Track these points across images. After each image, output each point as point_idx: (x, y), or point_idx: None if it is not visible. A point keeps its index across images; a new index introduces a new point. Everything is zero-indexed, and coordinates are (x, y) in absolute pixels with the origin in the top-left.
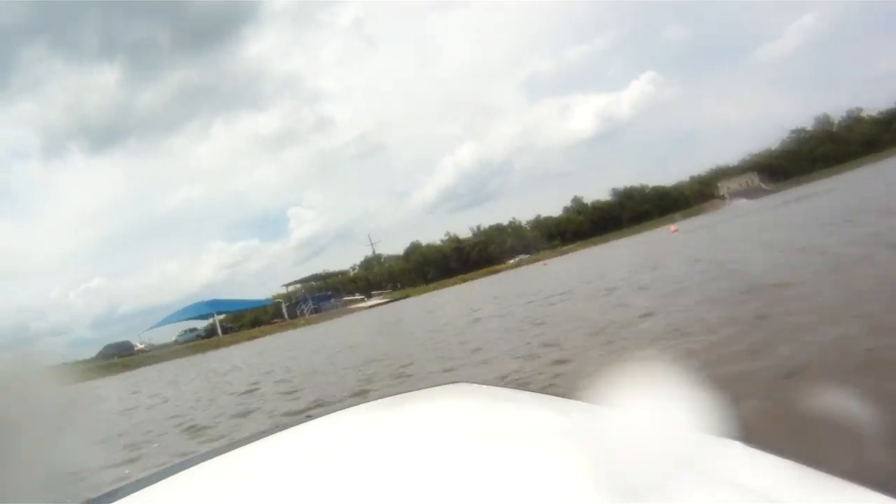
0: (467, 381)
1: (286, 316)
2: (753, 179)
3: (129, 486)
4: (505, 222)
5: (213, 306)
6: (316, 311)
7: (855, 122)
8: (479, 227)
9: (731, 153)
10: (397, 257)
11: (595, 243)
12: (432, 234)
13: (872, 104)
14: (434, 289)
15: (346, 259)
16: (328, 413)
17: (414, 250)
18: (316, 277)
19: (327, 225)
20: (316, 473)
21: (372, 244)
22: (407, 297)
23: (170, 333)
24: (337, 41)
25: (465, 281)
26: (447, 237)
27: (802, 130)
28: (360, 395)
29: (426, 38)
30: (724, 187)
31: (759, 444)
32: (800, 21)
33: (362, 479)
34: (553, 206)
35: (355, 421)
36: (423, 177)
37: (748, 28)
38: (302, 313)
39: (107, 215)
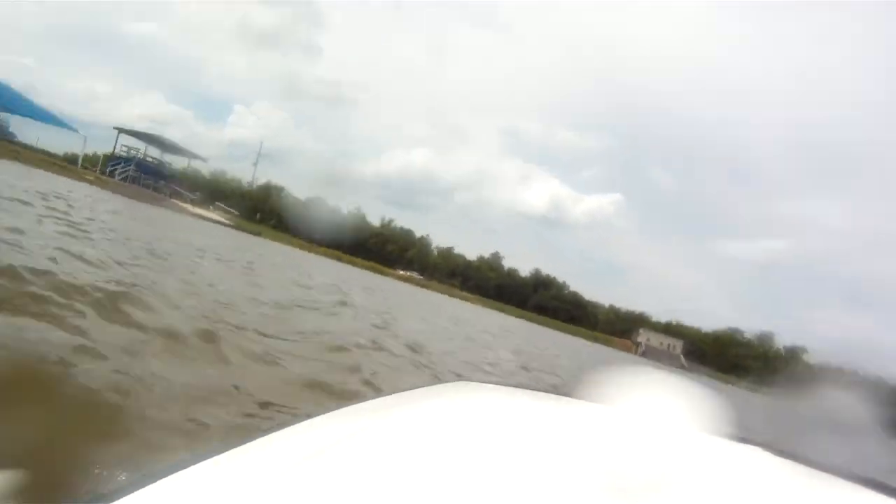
0: (467, 380)
1: (100, 170)
2: (676, 347)
3: (129, 486)
4: (418, 234)
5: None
6: (134, 180)
7: (792, 358)
8: (390, 221)
9: (656, 308)
10: (297, 200)
11: (493, 307)
12: (345, 206)
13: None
14: (297, 246)
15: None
16: (327, 412)
17: (316, 203)
18: (160, 142)
19: (261, 139)
20: (316, 473)
21: (259, 155)
22: (258, 234)
23: None
24: None
25: (340, 259)
26: (355, 210)
27: (738, 331)
28: None
29: (444, 37)
30: (643, 336)
31: (758, 444)
32: (772, 242)
33: (362, 478)
34: (468, 250)
35: (355, 419)
36: (370, 154)
37: (725, 216)
38: (112, 174)
39: (64, 8)
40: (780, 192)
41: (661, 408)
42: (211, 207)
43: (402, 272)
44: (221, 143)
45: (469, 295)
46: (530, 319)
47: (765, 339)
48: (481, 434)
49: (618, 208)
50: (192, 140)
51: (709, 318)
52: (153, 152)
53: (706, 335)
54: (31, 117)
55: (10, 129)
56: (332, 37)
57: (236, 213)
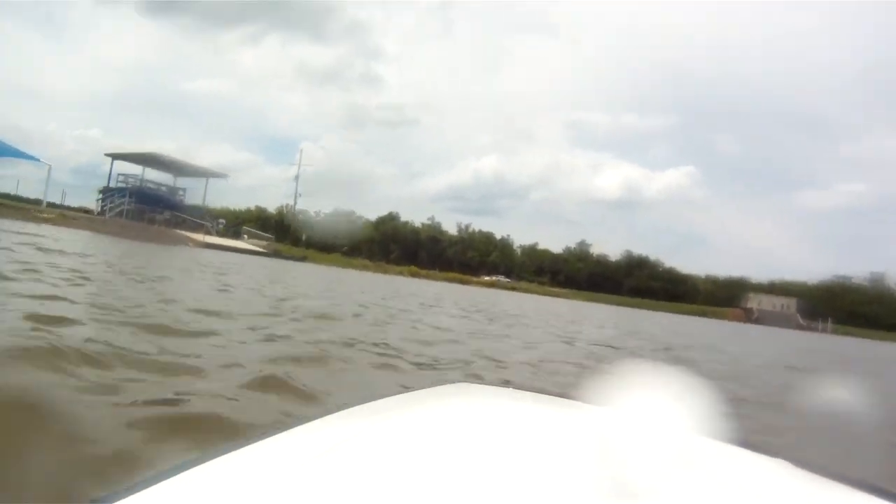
0: (468, 382)
1: (98, 209)
2: (790, 307)
3: (129, 486)
4: (498, 236)
5: None
6: (132, 214)
7: None
8: (466, 227)
9: (752, 271)
10: (367, 222)
11: (589, 299)
12: (419, 220)
13: None
14: (359, 267)
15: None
16: (327, 414)
17: (387, 221)
18: (160, 163)
19: (332, 173)
20: (316, 475)
21: (297, 178)
22: (303, 259)
23: None
24: (417, 12)
25: (416, 276)
26: (429, 222)
27: (847, 278)
28: None
29: (499, 48)
30: (754, 301)
31: (757, 445)
32: (850, 186)
33: (363, 480)
34: (552, 244)
35: (355, 422)
36: (441, 168)
37: (797, 169)
38: (103, 211)
39: (131, 75)
40: (849, 136)
41: (660, 409)
42: (246, 236)
43: (486, 278)
44: (290, 181)
45: (560, 290)
46: (629, 305)
47: (877, 282)
48: (481, 436)
49: (691, 180)
50: (265, 182)
51: (808, 271)
52: (165, 178)
53: (815, 288)
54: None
55: None
56: (390, 63)
57: (270, 236)
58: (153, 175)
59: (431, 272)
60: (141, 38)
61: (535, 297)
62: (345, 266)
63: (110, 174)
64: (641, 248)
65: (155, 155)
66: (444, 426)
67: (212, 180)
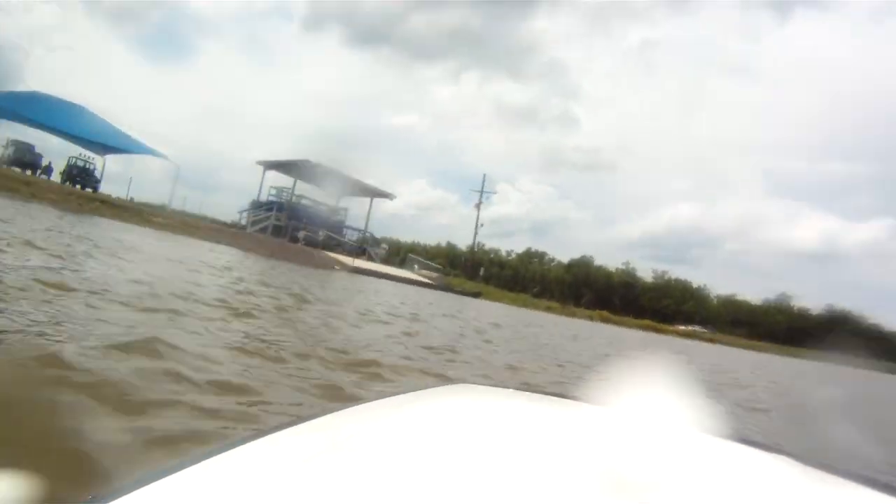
0: (467, 382)
1: (242, 220)
2: None
3: (129, 486)
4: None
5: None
6: (281, 230)
7: None
8: (662, 274)
9: None
10: (559, 264)
11: (791, 353)
12: (614, 264)
13: None
14: (543, 308)
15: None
16: (327, 413)
17: (580, 263)
18: (312, 172)
19: (527, 214)
20: (315, 474)
21: (482, 190)
22: (477, 295)
23: None
24: (617, 54)
25: (607, 321)
26: (624, 266)
27: None
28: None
29: (698, 91)
30: None
31: (757, 443)
32: None
33: (362, 480)
34: (748, 296)
35: (355, 421)
36: (636, 214)
37: None
38: (245, 226)
39: (331, 106)
40: None
41: (659, 408)
42: (416, 266)
43: (682, 327)
44: (487, 221)
45: (759, 343)
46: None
47: None
48: (480, 435)
49: (893, 231)
50: (464, 221)
51: None
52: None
53: None
54: (118, 149)
55: (95, 172)
56: (588, 104)
57: (439, 267)
58: (314, 192)
59: (624, 318)
60: (342, 70)
61: (736, 349)
62: (525, 305)
63: (261, 186)
64: (845, 302)
65: (308, 163)
66: (444, 426)
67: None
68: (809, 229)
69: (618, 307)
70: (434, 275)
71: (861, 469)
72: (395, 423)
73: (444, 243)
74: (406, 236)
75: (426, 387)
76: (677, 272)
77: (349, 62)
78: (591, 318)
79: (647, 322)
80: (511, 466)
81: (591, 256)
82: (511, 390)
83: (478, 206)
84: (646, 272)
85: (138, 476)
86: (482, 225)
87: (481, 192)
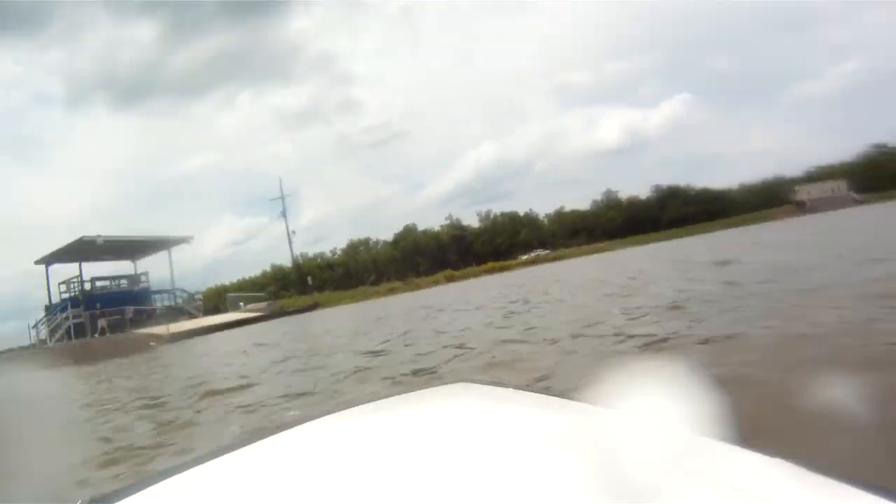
0: (470, 381)
1: (40, 334)
2: (841, 188)
3: (130, 487)
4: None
5: None
6: (82, 330)
7: None
8: (487, 214)
9: (783, 169)
10: (385, 243)
11: (633, 243)
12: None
13: None
14: (384, 293)
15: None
16: (327, 414)
17: (405, 235)
18: (99, 248)
19: (340, 209)
20: (318, 475)
21: (283, 196)
22: (313, 307)
23: None
24: (380, 27)
25: (453, 279)
26: (447, 222)
27: (882, 146)
28: None
29: (469, 37)
30: (803, 192)
31: (757, 445)
32: (841, 67)
33: (365, 481)
34: (577, 204)
35: (357, 421)
36: (441, 170)
37: (789, 65)
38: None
39: (122, 174)
40: (828, 21)
41: (661, 409)
42: (241, 303)
43: (524, 257)
44: (302, 229)
45: (599, 244)
46: (666, 238)
47: None
48: (482, 436)
49: (687, 105)
50: (282, 240)
51: (837, 152)
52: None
53: (855, 165)
54: None
55: None
56: (365, 85)
57: (262, 295)
58: (108, 268)
59: (467, 270)
60: (120, 134)
61: (572, 261)
62: (367, 297)
63: (48, 287)
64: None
65: (86, 240)
66: (446, 426)
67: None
68: (611, 129)
69: (457, 262)
70: (262, 304)
71: (861, 472)
72: (397, 424)
73: (269, 268)
74: (233, 276)
75: (428, 387)
76: (500, 208)
77: (123, 126)
78: (436, 283)
79: (490, 265)
80: (511, 467)
81: (413, 225)
82: (512, 390)
83: (283, 213)
84: (472, 219)
85: (138, 478)
86: (294, 232)
87: (282, 197)
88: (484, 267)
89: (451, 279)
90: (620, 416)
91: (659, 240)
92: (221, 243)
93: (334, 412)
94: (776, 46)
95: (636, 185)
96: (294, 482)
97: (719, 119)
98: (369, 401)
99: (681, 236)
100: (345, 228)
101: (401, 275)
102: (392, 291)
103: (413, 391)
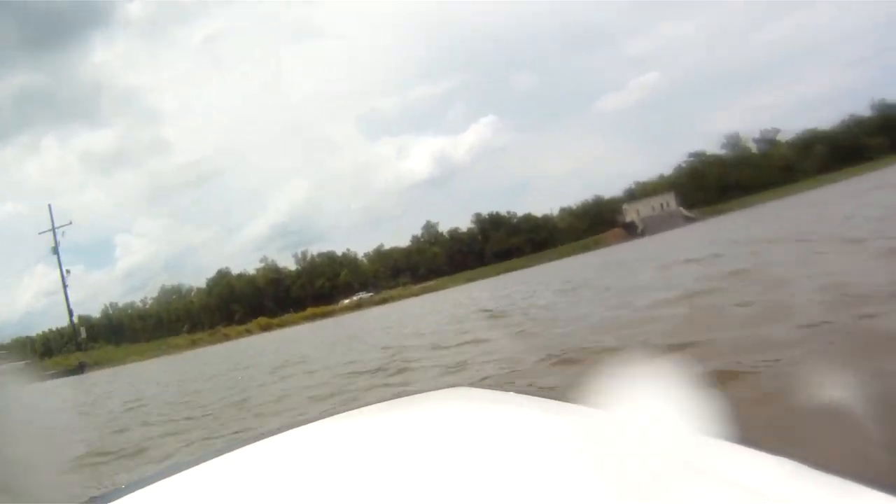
0: (466, 385)
1: None
2: (670, 202)
3: (130, 487)
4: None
5: None
6: None
7: (770, 145)
8: (304, 256)
9: (600, 189)
10: (199, 290)
11: (462, 280)
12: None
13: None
14: (183, 347)
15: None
16: (324, 417)
17: (218, 281)
18: None
19: (155, 255)
20: (313, 478)
21: (53, 228)
22: (82, 368)
23: None
24: (185, 58)
25: (269, 328)
26: (263, 265)
27: (702, 154)
28: None
29: (274, 63)
30: (631, 212)
31: (757, 444)
32: (641, 79)
33: (361, 484)
34: (397, 241)
35: (354, 425)
36: (258, 210)
37: (591, 81)
38: None
39: None
40: (626, 35)
41: (659, 411)
42: None
43: (346, 301)
44: (119, 280)
45: (426, 284)
46: (494, 273)
47: (734, 144)
48: (479, 440)
49: (496, 128)
50: (98, 290)
51: (654, 165)
52: None
53: (677, 176)
54: None
55: None
56: (174, 121)
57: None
58: None
59: (285, 318)
60: None
61: (398, 304)
62: (165, 352)
63: None
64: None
65: None
66: (443, 430)
67: None
68: (421, 158)
69: (275, 308)
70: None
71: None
72: (395, 428)
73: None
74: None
75: (425, 391)
76: (318, 248)
77: None
78: (249, 332)
79: (311, 311)
80: (509, 471)
81: (227, 268)
82: (510, 394)
83: (55, 248)
84: (289, 261)
85: (138, 478)
86: (68, 272)
87: (53, 229)
88: (303, 314)
89: (266, 328)
90: (619, 418)
91: (487, 275)
92: (37, 293)
93: (330, 416)
94: (578, 62)
95: (455, 217)
96: (289, 485)
97: (528, 139)
98: (367, 404)
99: (509, 270)
100: (161, 276)
101: (214, 324)
102: (195, 344)
103: (412, 395)
